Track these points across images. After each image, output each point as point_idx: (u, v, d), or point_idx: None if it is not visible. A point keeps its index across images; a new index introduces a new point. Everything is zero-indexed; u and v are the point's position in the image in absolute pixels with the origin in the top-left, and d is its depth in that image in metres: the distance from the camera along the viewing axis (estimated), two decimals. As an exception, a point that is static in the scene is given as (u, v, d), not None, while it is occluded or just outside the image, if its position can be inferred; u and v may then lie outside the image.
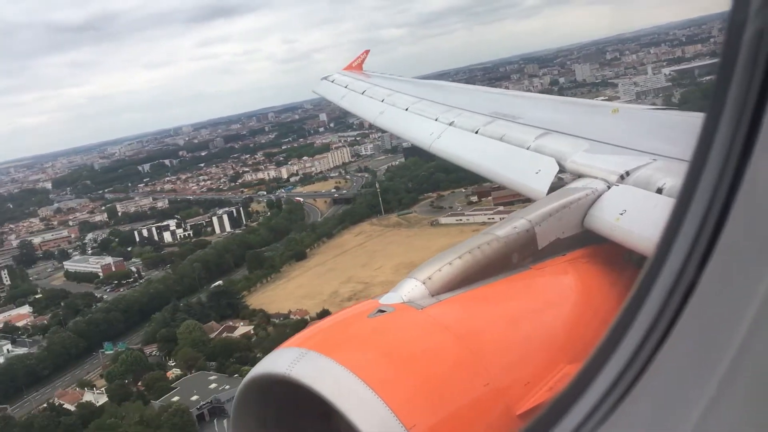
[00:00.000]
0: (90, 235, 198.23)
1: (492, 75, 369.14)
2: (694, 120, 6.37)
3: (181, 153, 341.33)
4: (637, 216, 5.00)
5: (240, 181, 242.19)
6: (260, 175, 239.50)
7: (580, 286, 4.90)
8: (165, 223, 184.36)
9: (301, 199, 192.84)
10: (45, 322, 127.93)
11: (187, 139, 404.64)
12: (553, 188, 6.26)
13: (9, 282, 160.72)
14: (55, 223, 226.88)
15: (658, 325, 1.75)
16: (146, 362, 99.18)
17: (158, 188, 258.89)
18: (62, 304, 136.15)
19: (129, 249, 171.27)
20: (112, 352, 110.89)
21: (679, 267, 1.74)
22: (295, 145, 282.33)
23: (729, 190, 1.65)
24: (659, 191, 5.01)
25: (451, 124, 9.54)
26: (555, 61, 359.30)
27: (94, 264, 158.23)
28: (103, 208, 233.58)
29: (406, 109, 11.45)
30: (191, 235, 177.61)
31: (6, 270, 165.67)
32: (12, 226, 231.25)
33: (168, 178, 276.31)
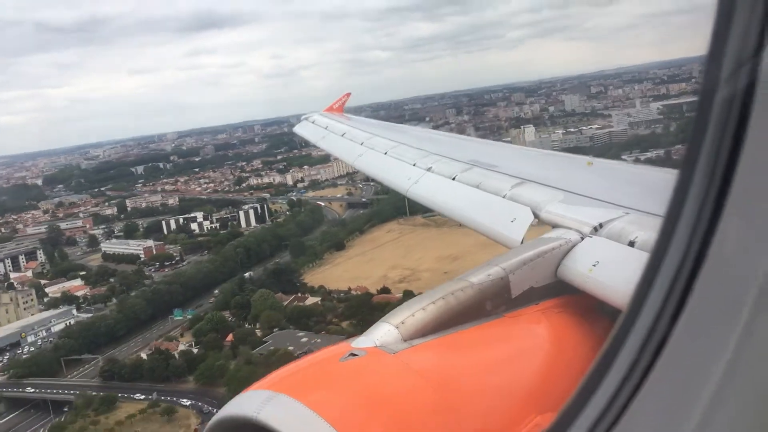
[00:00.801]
0: (102, 227, 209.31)
1: (477, 102, 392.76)
2: (666, 176, 6.88)
3: (172, 158, 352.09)
4: (609, 268, 5.12)
5: (245, 184, 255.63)
6: (266, 180, 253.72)
7: (553, 335, 4.98)
8: (192, 215, 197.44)
9: (322, 203, 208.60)
10: (100, 293, 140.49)
11: (174, 145, 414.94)
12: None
13: (45, 260, 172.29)
14: (61, 215, 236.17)
15: (633, 375, 1.83)
16: (228, 322, 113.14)
17: (158, 188, 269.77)
18: (111, 280, 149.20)
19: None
20: (181, 317, 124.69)
21: (652, 320, 1.83)
22: (290, 155, 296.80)
23: (701, 246, 1.75)
24: (631, 244, 5.17)
25: (429, 169, 9.79)
26: (539, 91, 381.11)
27: (135, 246, 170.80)
28: (112, 202, 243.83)
29: (385, 153, 11.70)
30: (218, 227, 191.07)
31: (41, 250, 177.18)
32: (15, 216, 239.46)
33: (165, 180, 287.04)
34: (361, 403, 3.72)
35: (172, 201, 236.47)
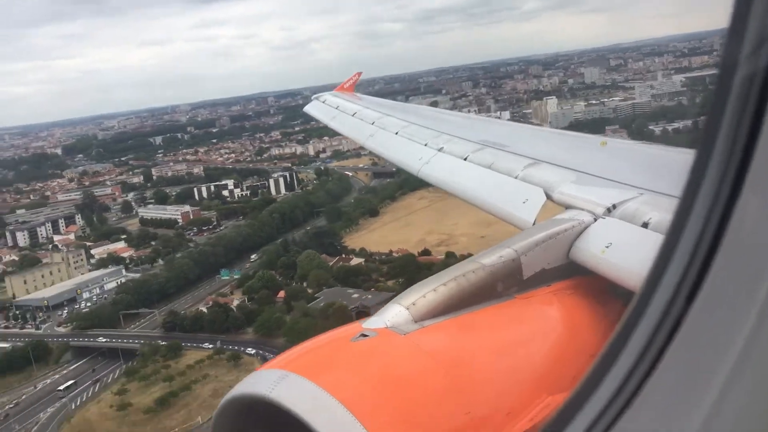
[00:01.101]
0: (132, 194, 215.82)
1: (493, 74, 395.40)
2: (682, 156, 6.82)
3: (189, 129, 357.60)
4: (623, 249, 5.12)
5: (266, 155, 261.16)
6: (287, 151, 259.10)
7: (565, 317, 5.02)
8: (223, 182, 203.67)
9: (349, 173, 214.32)
10: (145, 255, 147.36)
11: (188, 116, 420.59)
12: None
13: (84, 224, 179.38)
14: (87, 183, 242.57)
15: (645, 358, 1.83)
16: (278, 281, 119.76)
17: (179, 158, 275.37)
18: (152, 243, 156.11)
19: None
20: (227, 277, 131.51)
21: (667, 301, 1.83)
22: (307, 126, 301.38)
23: (718, 226, 1.74)
24: (645, 225, 5.17)
25: (440, 149, 9.78)
26: (557, 64, 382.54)
27: (172, 212, 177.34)
28: (136, 171, 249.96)
29: (396, 133, 11.75)
30: (248, 194, 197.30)
31: (79, 215, 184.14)
32: (40, 184, 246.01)
33: (185, 150, 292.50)
34: (372, 383, 3.79)
35: (197, 170, 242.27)
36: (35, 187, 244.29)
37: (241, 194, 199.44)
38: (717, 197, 1.75)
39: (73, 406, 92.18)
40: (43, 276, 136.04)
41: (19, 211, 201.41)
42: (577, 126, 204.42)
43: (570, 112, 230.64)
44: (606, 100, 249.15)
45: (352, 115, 14.76)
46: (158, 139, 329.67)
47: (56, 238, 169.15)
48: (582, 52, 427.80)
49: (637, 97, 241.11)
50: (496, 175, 7.92)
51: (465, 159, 8.86)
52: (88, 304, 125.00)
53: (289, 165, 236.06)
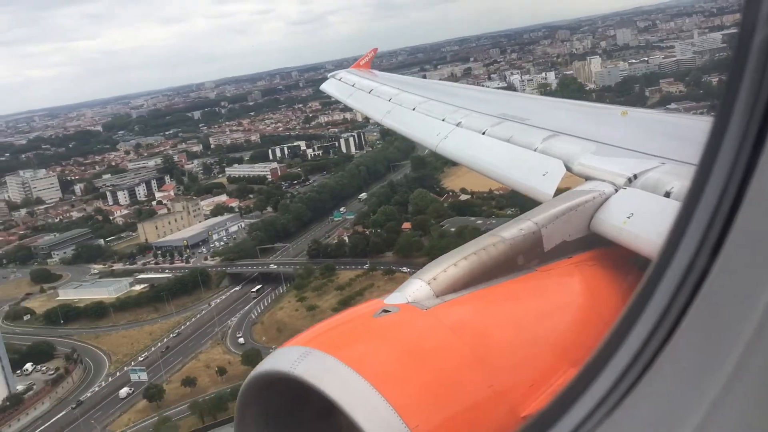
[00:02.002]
0: (197, 161, 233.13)
1: (518, 41, 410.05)
2: (704, 124, 7.02)
3: (222, 103, 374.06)
4: (645, 220, 5.18)
5: (314, 122, 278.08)
6: (335, 117, 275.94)
7: (586, 289, 5.09)
8: (296, 144, 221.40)
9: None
10: (251, 204, 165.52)
11: (216, 93, 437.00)
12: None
13: (175, 183, 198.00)
14: (145, 154, 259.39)
15: (664, 323, 1.86)
16: (396, 214, 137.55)
17: (225, 130, 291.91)
18: (250, 195, 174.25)
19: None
20: (340, 218, 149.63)
21: (686, 266, 1.84)
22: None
23: (737, 192, 1.76)
24: (667, 195, 5.24)
25: (458, 124, 9.86)
26: (582, 29, 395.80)
27: (260, 169, 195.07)
28: (189, 142, 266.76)
29: (413, 109, 11.91)
30: (320, 154, 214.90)
31: (168, 176, 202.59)
32: (98, 157, 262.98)
33: (227, 123, 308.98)
34: (395, 359, 3.92)
35: (254, 137, 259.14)
36: (94, 159, 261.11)
37: (314, 154, 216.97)
38: (736, 162, 1.77)
39: (253, 315, 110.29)
40: (169, 222, 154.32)
41: (105, 176, 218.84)
42: (629, 81, 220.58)
43: (615, 71, 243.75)
44: (646, 58, 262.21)
45: (369, 92, 14.95)
46: (197, 114, 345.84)
47: (157, 195, 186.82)
48: (605, 16, 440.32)
49: (678, 54, 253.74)
50: (515, 148, 8.08)
51: (483, 133, 9.05)
52: (220, 243, 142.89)
53: (343, 129, 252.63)
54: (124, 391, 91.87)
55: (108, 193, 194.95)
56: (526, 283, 4.94)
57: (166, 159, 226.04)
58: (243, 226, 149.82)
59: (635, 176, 5.75)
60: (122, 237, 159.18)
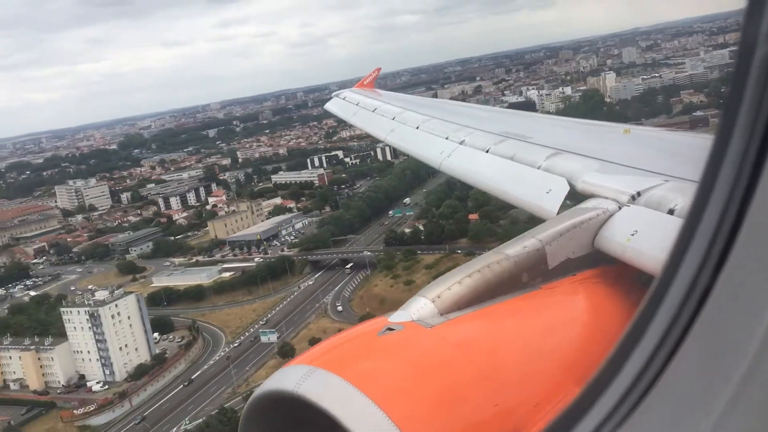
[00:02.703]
0: (228, 173, 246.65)
1: (520, 61, 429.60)
2: (706, 141, 5.95)
3: (234, 122, 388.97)
4: (649, 237, 5.24)
5: (336, 137, 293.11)
6: (356, 132, 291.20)
7: (591, 306, 5.14)
8: (334, 153, 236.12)
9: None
10: (308, 205, 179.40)
11: (224, 113, 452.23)
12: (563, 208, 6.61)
13: (223, 190, 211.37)
14: (172, 168, 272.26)
15: (668, 339, 1.90)
16: (460, 207, 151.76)
17: (245, 146, 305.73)
18: (303, 198, 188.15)
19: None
20: (400, 214, 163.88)
21: (689, 282, 1.88)
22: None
23: (739, 208, 1.80)
24: (671, 212, 5.30)
25: (461, 142, 10.07)
26: (583, 49, 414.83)
27: (308, 175, 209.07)
28: (215, 157, 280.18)
29: (417, 128, 12.20)
30: (358, 162, 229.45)
31: (214, 183, 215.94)
32: (124, 172, 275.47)
33: (245, 140, 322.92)
34: (399, 377, 3.96)
35: (282, 151, 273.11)
36: (121, 174, 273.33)
37: (351, 162, 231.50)
38: (738, 178, 1.81)
39: (346, 294, 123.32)
40: (236, 221, 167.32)
41: (149, 185, 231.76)
42: (648, 94, 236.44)
43: (630, 85, 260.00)
44: (659, 74, 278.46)
45: (373, 111, 15.39)
46: (211, 132, 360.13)
47: (210, 200, 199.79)
48: (604, 37, 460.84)
49: (689, 69, 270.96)
50: (518, 166, 8.19)
51: (487, 151, 9.18)
52: (289, 237, 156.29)
53: (369, 142, 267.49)
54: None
55: (160, 200, 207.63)
56: (531, 300, 5.01)
57: (208, 169, 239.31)
58: (307, 222, 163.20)
59: (639, 194, 5.82)
60: (189, 235, 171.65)
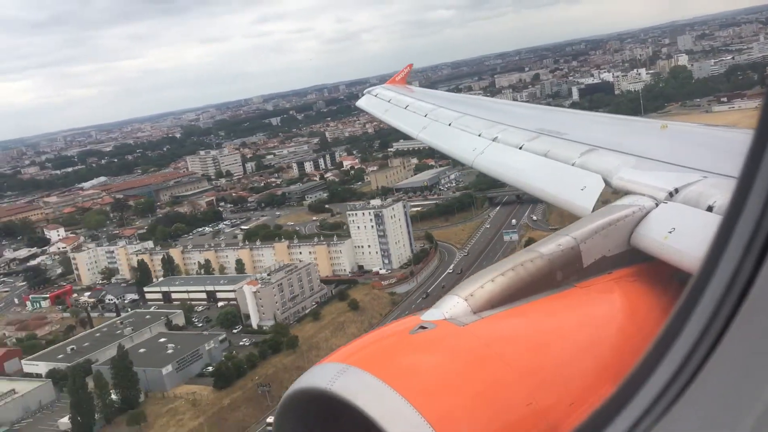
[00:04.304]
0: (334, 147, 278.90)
1: (562, 54, 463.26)
2: (745, 137, 5.93)
3: (291, 111, 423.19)
4: (687, 234, 5.36)
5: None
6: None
7: (627, 305, 5.28)
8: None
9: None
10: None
11: (273, 106, 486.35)
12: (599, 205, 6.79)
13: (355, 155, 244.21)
14: (261, 149, 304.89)
15: (707, 335, 1.96)
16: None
17: (320, 129, 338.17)
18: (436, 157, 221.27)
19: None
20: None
21: (730, 276, 1.94)
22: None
23: None
24: (710, 209, 5.40)
25: (494, 139, 10.36)
26: (626, 41, 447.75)
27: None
28: (300, 138, 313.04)
29: (449, 125, 12.61)
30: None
31: (337, 151, 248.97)
32: (214, 151, 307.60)
33: (312, 126, 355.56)
34: (432, 375, 4.12)
35: (370, 129, 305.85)
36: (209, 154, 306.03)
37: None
38: None
39: (534, 217, 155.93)
40: (393, 173, 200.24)
41: (268, 156, 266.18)
42: (731, 72, 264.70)
43: (706, 65, 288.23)
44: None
45: (405, 108, 15.99)
46: (274, 121, 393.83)
47: (346, 162, 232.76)
48: (644, 29, 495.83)
49: (757, 53, 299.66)
50: (552, 162, 8.45)
51: (520, 148, 9.50)
52: (449, 184, 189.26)
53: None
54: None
55: (294, 164, 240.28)
56: (566, 299, 5.11)
57: (322, 142, 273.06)
58: (459, 174, 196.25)
59: (676, 190, 5.94)
60: (352, 186, 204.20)
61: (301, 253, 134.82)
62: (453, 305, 4.69)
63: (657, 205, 5.97)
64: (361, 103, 20.07)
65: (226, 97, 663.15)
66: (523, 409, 4.07)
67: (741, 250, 1.92)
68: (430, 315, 4.64)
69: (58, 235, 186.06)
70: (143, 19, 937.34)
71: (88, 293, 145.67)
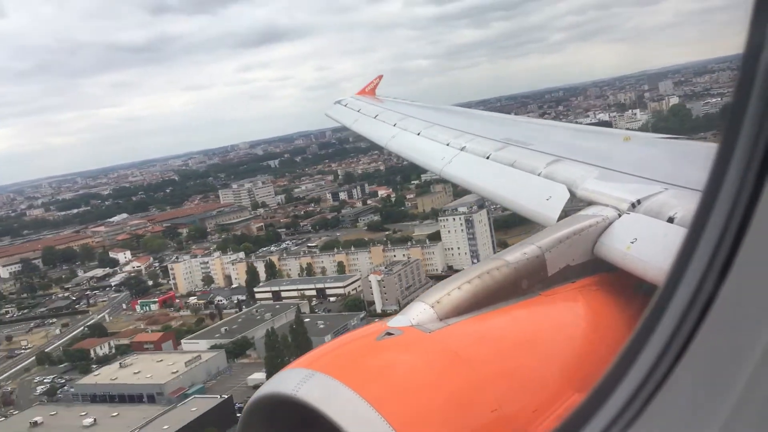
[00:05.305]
0: (346, 186, 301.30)
1: (543, 101, 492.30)
2: (706, 149, 7.32)
3: (285, 155, 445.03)
4: (648, 245, 5.62)
5: (406, 162, 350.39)
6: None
7: (590, 313, 5.52)
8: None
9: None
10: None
11: (262, 150, 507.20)
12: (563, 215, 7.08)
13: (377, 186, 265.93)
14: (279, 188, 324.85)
15: (672, 347, 2.04)
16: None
17: (325, 168, 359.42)
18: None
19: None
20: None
21: (693, 290, 2.02)
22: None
23: (743, 216, 1.93)
24: (670, 220, 5.65)
25: (462, 149, 10.76)
26: (603, 88, 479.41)
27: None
28: (317, 177, 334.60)
29: (418, 134, 13.07)
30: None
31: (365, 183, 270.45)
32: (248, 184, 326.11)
33: (314, 167, 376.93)
34: (398, 381, 4.24)
35: (382, 167, 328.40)
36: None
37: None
38: (741, 190, 1.93)
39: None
40: (437, 198, 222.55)
41: (296, 189, 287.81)
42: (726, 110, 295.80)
43: (697, 106, 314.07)
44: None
45: (374, 118, 16.60)
46: (273, 163, 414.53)
47: (380, 192, 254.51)
48: (618, 78, 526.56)
49: None
50: (518, 172, 8.79)
51: (487, 158, 9.84)
52: (495, 205, 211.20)
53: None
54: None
55: (329, 195, 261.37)
56: (530, 307, 5.32)
57: (346, 176, 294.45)
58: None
59: (639, 201, 6.23)
60: (402, 209, 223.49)
61: (395, 255, 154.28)
62: (419, 312, 4.84)
63: (620, 215, 6.28)
64: (330, 113, 20.54)
65: (208, 144, 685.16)
66: (488, 415, 4.22)
67: (705, 263, 1.99)
68: (397, 321, 4.80)
69: (125, 257, 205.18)
70: (127, 68, 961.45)
71: (192, 297, 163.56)
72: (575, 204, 7.31)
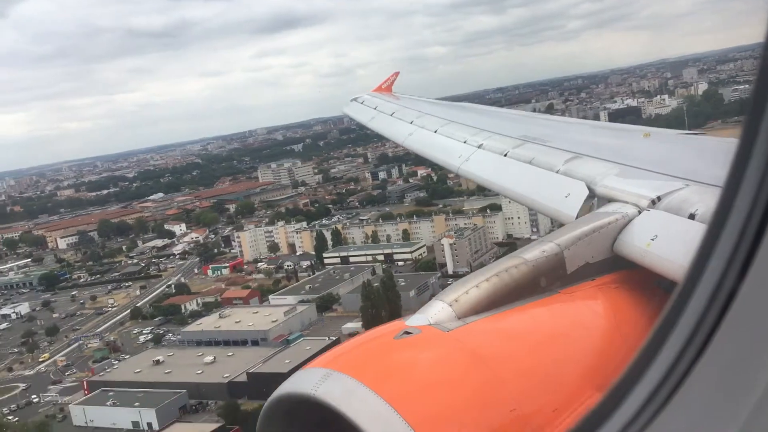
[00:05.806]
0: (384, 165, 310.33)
1: (562, 88, 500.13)
2: (726, 145, 7.33)
3: (307, 140, 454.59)
4: (669, 242, 5.64)
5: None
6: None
7: (610, 311, 5.57)
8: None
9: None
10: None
11: (281, 135, 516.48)
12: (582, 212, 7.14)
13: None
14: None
15: (692, 344, 2.04)
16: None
17: (351, 152, 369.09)
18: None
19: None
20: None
21: (714, 286, 2.02)
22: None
23: (764, 212, 1.94)
24: (691, 217, 5.68)
25: (479, 146, 10.89)
26: (623, 76, 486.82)
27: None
28: (346, 159, 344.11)
29: (435, 131, 13.30)
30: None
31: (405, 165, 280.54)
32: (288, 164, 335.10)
33: (339, 151, 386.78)
34: (416, 381, 4.33)
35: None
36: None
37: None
38: (761, 185, 1.94)
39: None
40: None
41: (332, 170, 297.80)
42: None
43: (726, 92, 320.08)
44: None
45: (391, 115, 17.03)
46: (297, 147, 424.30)
47: (419, 172, 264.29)
48: (638, 66, 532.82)
49: None
50: (537, 170, 8.94)
51: (505, 155, 10.02)
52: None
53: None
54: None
55: (367, 174, 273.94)
56: (549, 305, 5.40)
57: (381, 155, 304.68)
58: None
59: (659, 198, 6.31)
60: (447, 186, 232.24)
61: (457, 225, 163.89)
62: (438, 311, 4.95)
63: (640, 212, 6.34)
64: (347, 110, 20.91)
65: (224, 130, 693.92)
66: (507, 415, 4.30)
67: (725, 259, 1.99)
68: (415, 320, 4.90)
69: (180, 229, 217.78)
70: (145, 53, 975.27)
71: (261, 263, 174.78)
72: (595, 201, 7.46)
